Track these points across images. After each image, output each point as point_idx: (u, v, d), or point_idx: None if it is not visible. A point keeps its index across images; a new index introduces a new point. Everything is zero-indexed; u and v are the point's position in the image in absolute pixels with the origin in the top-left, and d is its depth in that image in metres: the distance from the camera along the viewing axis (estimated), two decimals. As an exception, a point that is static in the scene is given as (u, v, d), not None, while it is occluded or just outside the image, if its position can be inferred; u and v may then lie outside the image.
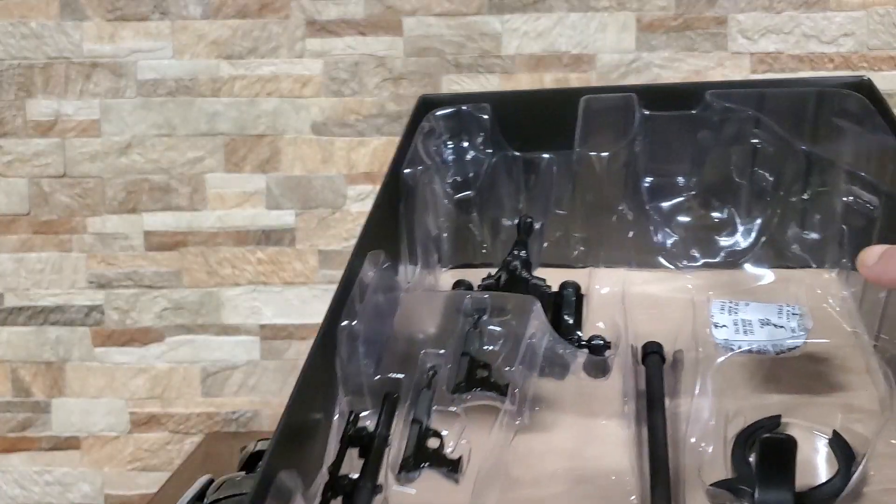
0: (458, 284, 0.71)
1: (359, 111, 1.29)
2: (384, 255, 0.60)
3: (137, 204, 1.31)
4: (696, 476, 0.55)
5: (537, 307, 0.58)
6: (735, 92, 0.72)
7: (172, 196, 1.30)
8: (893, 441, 0.55)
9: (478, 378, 0.56)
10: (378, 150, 1.29)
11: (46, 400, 1.34)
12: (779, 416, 0.59)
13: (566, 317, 0.66)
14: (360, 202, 1.29)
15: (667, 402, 0.60)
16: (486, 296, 0.61)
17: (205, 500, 0.86)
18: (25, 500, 1.35)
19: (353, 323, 0.55)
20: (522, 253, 0.70)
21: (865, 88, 0.71)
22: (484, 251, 0.76)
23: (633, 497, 0.54)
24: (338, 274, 0.59)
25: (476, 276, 0.72)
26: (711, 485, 0.54)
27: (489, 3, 1.25)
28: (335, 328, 0.55)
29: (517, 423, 0.57)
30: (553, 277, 0.70)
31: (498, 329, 0.59)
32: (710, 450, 0.57)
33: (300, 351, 1.30)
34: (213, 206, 1.30)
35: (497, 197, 0.76)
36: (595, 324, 0.67)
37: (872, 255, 0.50)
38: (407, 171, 0.70)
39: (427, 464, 0.53)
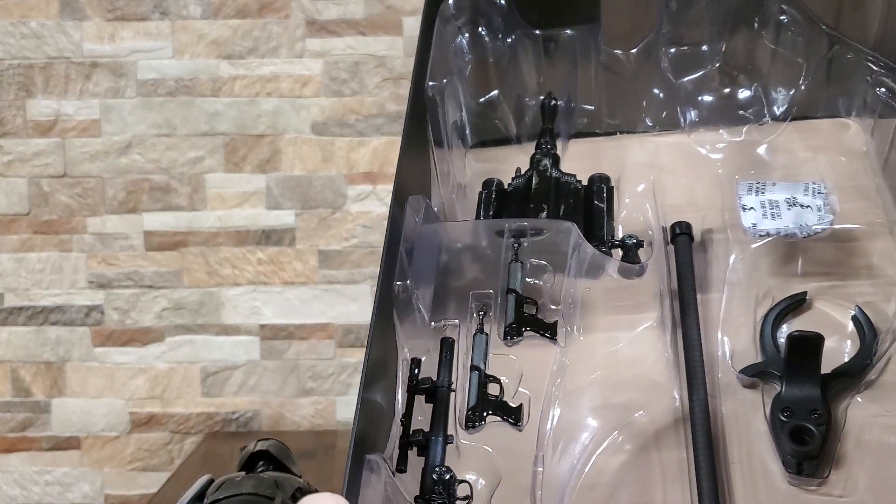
0: (487, 184, 0.69)
1: (359, 111, 1.29)
2: (421, 198, 0.61)
3: (137, 204, 1.31)
4: (727, 363, 0.57)
5: (575, 232, 0.59)
6: None
7: (172, 196, 1.30)
8: None
9: (526, 316, 0.59)
10: (378, 150, 1.29)
11: (46, 400, 1.34)
12: (804, 293, 0.60)
13: (599, 216, 0.66)
14: (360, 202, 1.29)
15: (697, 283, 0.61)
16: (526, 222, 0.62)
17: (205, 500, 0.86)
18: (25, 500, 1.35)
19: (407, 282, 0.58)
20: (550, 147, 0.69)
21: None
22: (508, 133, 0.75)
23: (673, 394, 0.56)
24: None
25: (499, 157, 0.71)
26: (741, 371, 0.57)
27: None
28: (390, 286, 0.57)
29: (565, 345, 0.59)
30: (582, 166, 0.68)
31: (539, 262, 0.61)
32: (740, 335, 0.59)
33: (300, 351, 1.30)
34: (213, 206, 1.30)
35: (519, 77, 0.74)
36: (630, 214, 0.67)
37: None
38: (431, 83, 0.67)
39: (490, 412, 0.55)
